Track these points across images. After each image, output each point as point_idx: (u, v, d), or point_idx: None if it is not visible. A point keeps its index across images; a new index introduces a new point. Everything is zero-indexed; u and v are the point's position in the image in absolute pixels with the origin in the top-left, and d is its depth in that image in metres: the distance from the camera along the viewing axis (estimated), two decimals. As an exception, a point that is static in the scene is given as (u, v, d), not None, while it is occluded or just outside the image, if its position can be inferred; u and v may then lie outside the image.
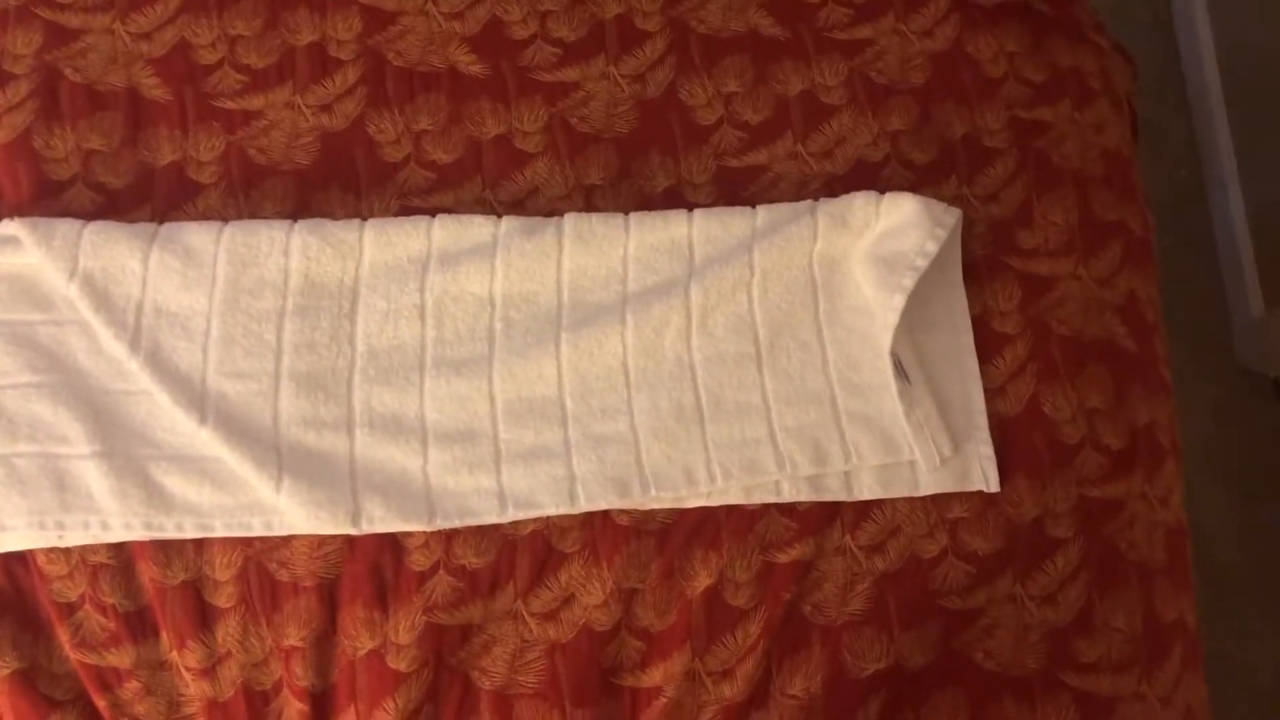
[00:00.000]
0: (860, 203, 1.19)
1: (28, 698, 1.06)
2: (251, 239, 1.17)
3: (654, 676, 1.09)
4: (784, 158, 1.27)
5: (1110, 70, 1.36)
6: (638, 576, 1.10)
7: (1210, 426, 1.88)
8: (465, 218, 1.20)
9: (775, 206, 1.22)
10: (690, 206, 1.23)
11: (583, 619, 1.09)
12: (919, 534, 1.12)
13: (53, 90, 1.26)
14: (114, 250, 1.15)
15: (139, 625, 1.08)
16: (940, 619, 1.11)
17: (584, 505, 1.10)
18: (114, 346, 1.13)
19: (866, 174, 1.26)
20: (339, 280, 1.18)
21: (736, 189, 1.26)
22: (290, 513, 1.08)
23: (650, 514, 1.12)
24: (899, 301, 1.12)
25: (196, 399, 1.11)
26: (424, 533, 1.10)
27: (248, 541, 1.10)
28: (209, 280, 1.16)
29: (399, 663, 1.08)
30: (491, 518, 1.10)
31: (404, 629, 1.08)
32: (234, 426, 1.10)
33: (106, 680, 1.08)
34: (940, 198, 1.21)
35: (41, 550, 1.08)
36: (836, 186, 1.24)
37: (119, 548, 1.09)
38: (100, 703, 1.07)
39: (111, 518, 1.07)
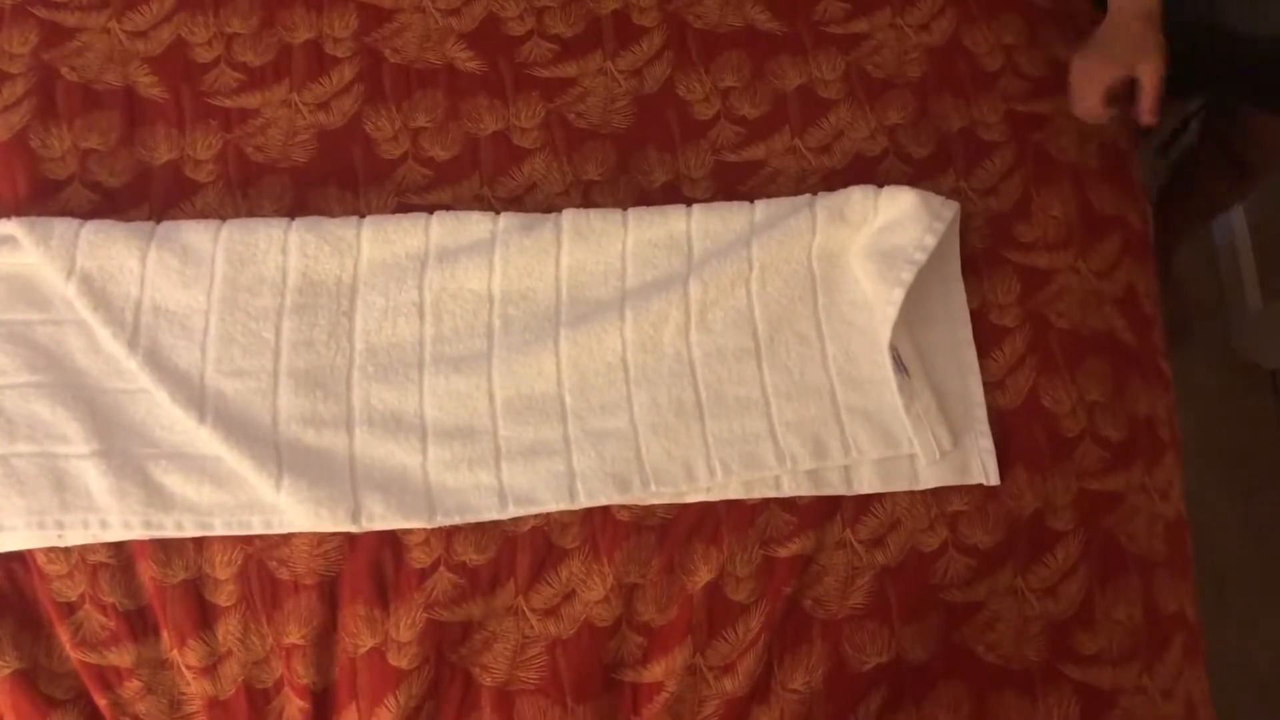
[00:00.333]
0: (858, 197, 1.19)
1: (28, 697, 1.06)
2: (249, 237, 1.17)
3: (655, 672, 1.09)
4: (782, 152, 1.27)
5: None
6: (638, 572, 1.10)
7: (1209, 419, 1.88)
8: (463, 214, 1.20)
9: (773, 201, 1.22)
10: (688, 202, 1.23)
11: (583, 615, 1.09)
12: (919, 527, 1.12)
13: (49, 89, 1.26)
14: (112, 249, 1.15)
15: (139, 624, 1.08)
16: (941, 612, 1.11)
17: (584, 501, 1.10)
18: (112, 345, 1.13)
19: (864, 168, 1.26)
20: (337, 278, 1.18)
21: (734, 184, 1.26)
22: (290, 510, 1.08)
23: (650, 509, 1.12)
24: (898, 295, 1.12)
25: (195, 397, 1.11)
26: (424, 530, 1.10)
27: (248, 540, 1.09)
28: (207, 278, 1.16)
29: (400, 660, 1.08)
30: (492, 514, 1.10)
31: (405, 626, 1.08)
32: (233, 424, 1.10)
33: (107, 679, 1.08)
34: (938, 191, 1.21)
35: (41, 550, 1.08)
36: (834, 181, 1.24)
37: (119, 547, 1.09)
38: (101, 702, 1.07)
39: (111, 516, 1.07)
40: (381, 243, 1.19)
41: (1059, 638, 1.11)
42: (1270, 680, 1.69)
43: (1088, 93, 1.22)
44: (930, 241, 1.15)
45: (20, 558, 1.08)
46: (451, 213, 1.20)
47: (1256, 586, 1.75)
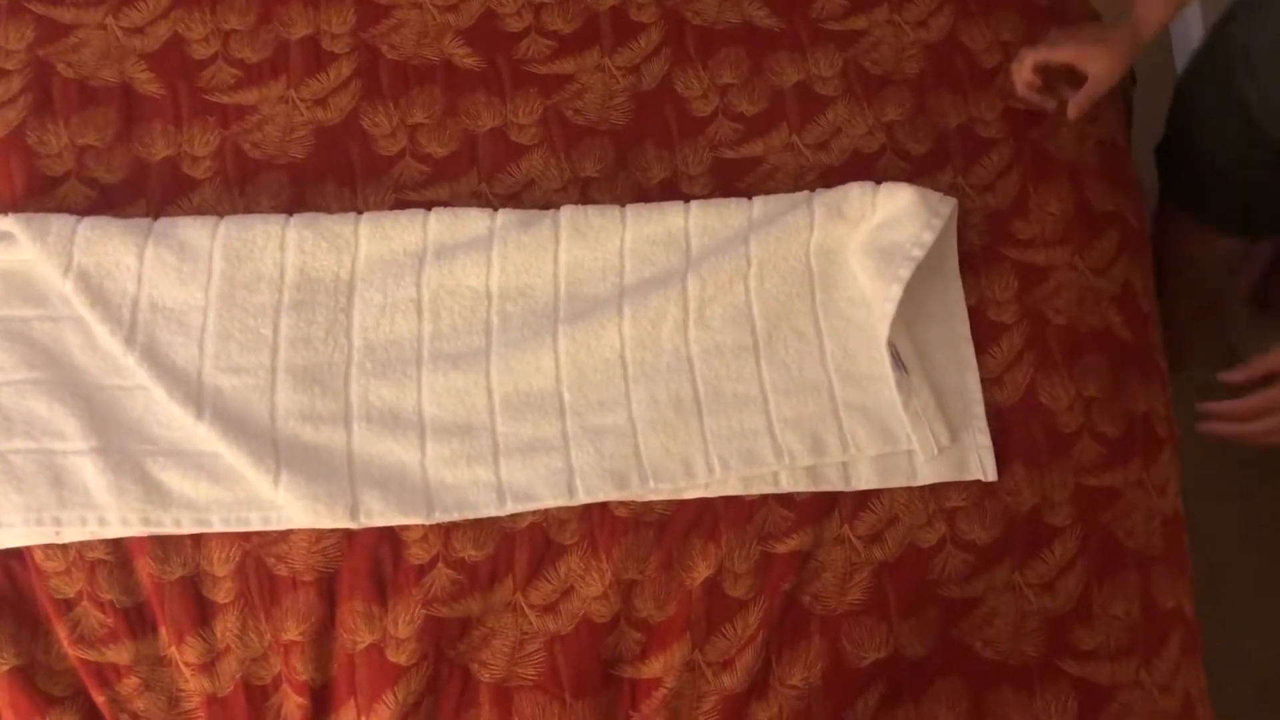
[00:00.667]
0: (856, 193, 1.19)
1: (26, 694, 1.06)
2: (247, 234, 1.17)
3: (654, 667, 1.09)
4: (780, 149, 1.27)
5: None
6: (637, 568, 1.10)
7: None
8: (461, 211, 1.20)
9: (771, 198, 1.22)
10: (687, 198, 1.23)
11: (582, 611, 1.09)
12: (917, 523, 1.12)
13: (45, 85, 1.25)
14: (109, 246, 1.15)
15: (137, 621, 1.08)
16: (939, 608, 1.11)
17: (582, 497, 1.10)
18: (110, 342, 1.13)
19: (862, 165, 1.26)
20: (335, 274, 1.18)
21: (732, 180, 1.26)
22: (288, 507, 1.08)
23: (649, 506, 1.12)
24: (896, 292, 1.12)
25: (193, 394, 1.11)
26: (423, 526, 1.10)
27: (246, 536, 1.09)
28: (205, 275, 1.16)
29: (398, 656, 1.08)
30: (490, 511, 1.10)
31: (403, 622, 1.08)
32: (231, 421, 1.10)
33: (105, 676, 1.07)
34: (936, 188, 1.21)
35: (39, 547, 1.08)
36: (832, 177, 1.24)
37: (116, 544, 1.09)
38: (99, 699, 1.07)
39: (109, 513, 1.07)
40: (379, 239, 1.19)
41: (1057, 633, 1.11)
42: (1268, 676, 1.69)
43: (1027, 56, 1.22)
44: (928, 238, 1.15)
45: (18, 555, 1.08)
46: (449, 209, 1.20)
47: (1254, 583, 1.75)
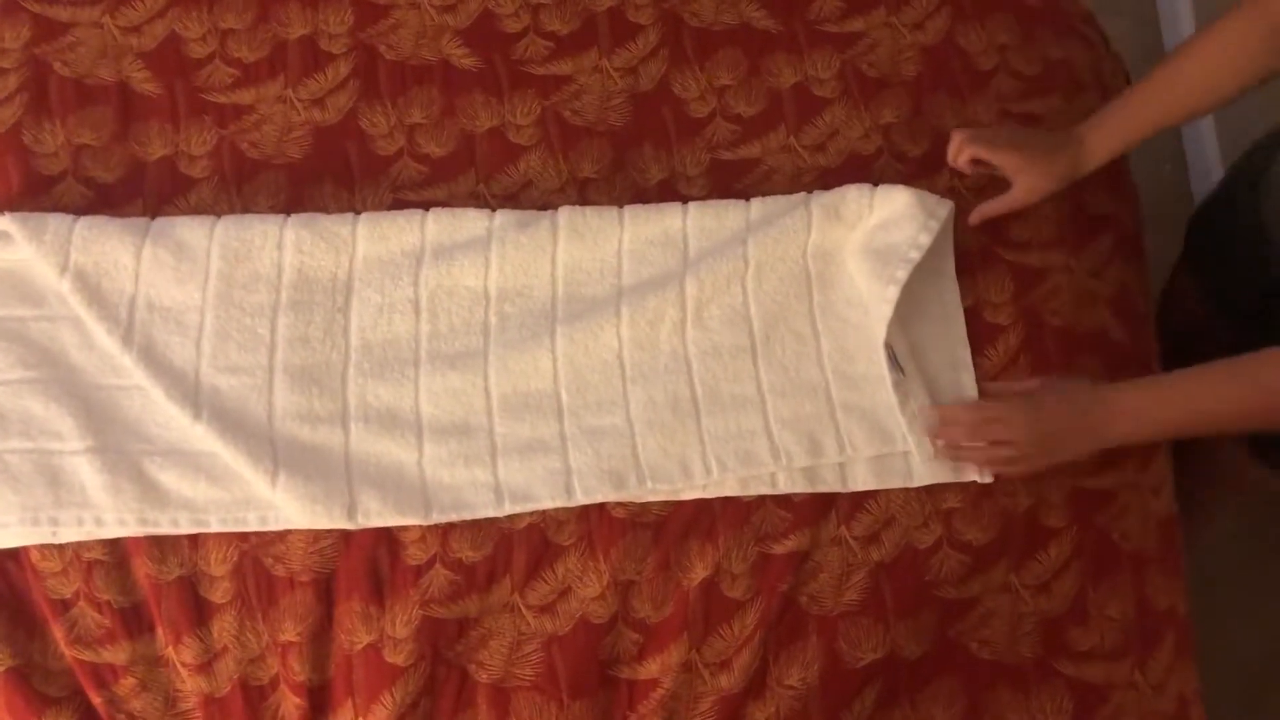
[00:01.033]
0: (853, 195, 1.20)
1: (23, 695, 1.06)
2: (244, 233, 1.17)
3: (651, 668, 1.09)
4: (777, 150, 1.27)
5: (1100, 63, 1.36)
6: (634, 569, 1.10)
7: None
8: (459, 211, 1.20)
9: (769, 199, 1.22)
10: (684, 199, 1.23)
11: (579, 611, 1.09)
12: (914, 524, 1.12)
13: (42, 84, 1.25)
14: (106, 245, 1.14)
15: (134, 621, 1.08)
16: (935, 608, 1.11)
17: (580, 498, 1.10)
18: (107, 342, 1.12)
19: (859, 166, 1.27)
20: (332, 274, 1.18)
21: (730, 182, 1.26)
22: (286, 507, 1.08)
23: (646, 507, 1.12)
24: (892, 293, 1.13)
25: (190, 394, 1.11)
26: (420, 527, 1.10)
27: (243, 536, 1.09)
28: (202, 275, 1.15)
29: (396, 656, 1.08)
30: (488, 511, 1.10)
31: (401, 623, 1.08)
32: (228, 421, 1.10)
33: (102, 677, 1.07)
34: (933, 190, 1.21)
35: (36, 547, 1.08)
36: (829, 179, 1.25)
37: (113, 544, 1.09)
38: (96, 699, 1.07)
39: (105, 514, 1.07)
40: (377, 239, 1.19)
41: (1052, 634, 1.12)
42: (1261, 677, 1.70)
43: (966, 145, 1.16)
44: (925, 240, 1.15)
45: (14, 555, 1.08)
46: (447, 210, 1.20)
47: (1248, 583, 1.76)
